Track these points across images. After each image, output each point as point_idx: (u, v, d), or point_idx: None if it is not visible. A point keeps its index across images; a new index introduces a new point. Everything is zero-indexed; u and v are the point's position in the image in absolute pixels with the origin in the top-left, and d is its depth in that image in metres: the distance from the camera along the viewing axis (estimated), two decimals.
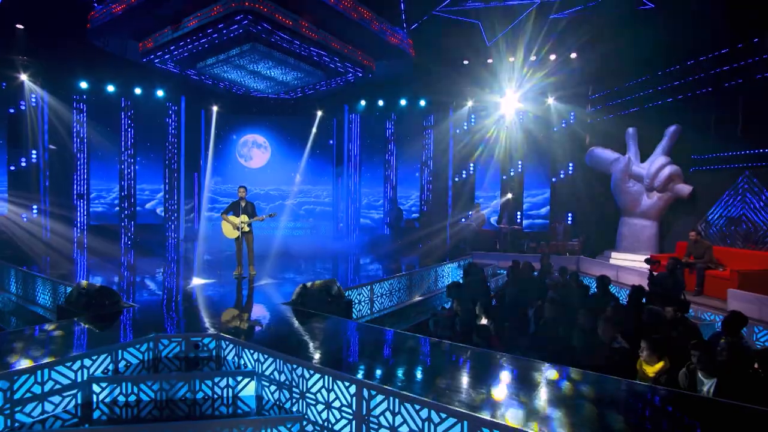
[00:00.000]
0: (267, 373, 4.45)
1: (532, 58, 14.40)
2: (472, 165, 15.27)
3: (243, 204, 8.89)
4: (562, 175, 14.55)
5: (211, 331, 5.16)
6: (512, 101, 14.65)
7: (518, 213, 14.48)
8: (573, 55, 13.92)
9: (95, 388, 4.25)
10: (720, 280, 8.48)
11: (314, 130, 16.48)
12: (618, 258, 11.82)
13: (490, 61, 14.60)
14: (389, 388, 3.56)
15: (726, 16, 10.08)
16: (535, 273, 9.17)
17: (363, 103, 16.06)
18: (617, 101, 12.87)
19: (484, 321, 6.13)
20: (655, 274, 7.40)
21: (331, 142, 17.44)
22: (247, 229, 8.81)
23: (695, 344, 4.04)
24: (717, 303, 8.07)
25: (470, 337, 5.37)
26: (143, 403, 4.26)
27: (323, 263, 11.76)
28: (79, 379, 4.23)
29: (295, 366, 4.19)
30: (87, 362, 4.31)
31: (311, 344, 4.93)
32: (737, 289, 7.65)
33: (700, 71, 10.88)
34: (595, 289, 7.76)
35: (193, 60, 12.05)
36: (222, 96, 15.79)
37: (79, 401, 4.19)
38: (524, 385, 3.66)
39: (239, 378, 4.47)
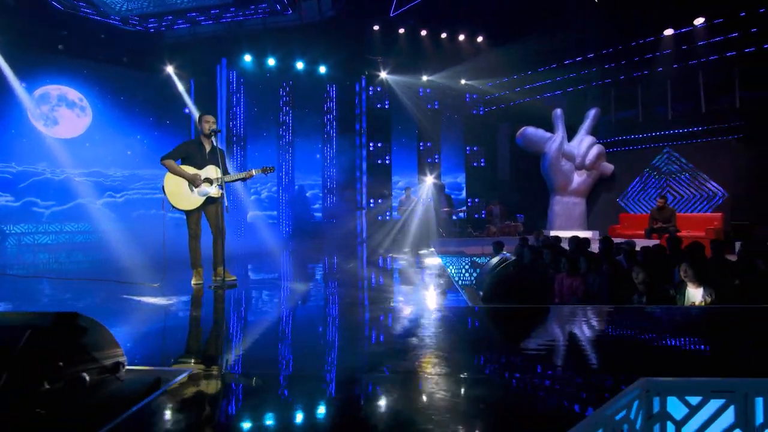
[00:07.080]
0: None
1: (443, 35, 13.56)
2: (387, 147, 13.27)
3: (208, 147, 4.85)
4: (475, 164, 14.11)
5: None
6: (425, 78, 13.45)
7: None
8: (479, 39, 13.71)
9: None
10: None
11: (180, 87, 11.51)
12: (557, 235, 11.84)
13: (402, 31, 13.06)
14: None
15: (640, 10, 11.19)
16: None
17: (248, 58, 12.07)
18: (533, 85, 13.13)
19: (699, 290, 4.49)
20: None
21: (186, 110, 12.59)
22: (218, 193, 4.81)
23: None
24: None
25: None
26: None
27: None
28: None
29: None
30: None
31: None
32: None
33: (601, 62, 11.90)
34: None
35: None
36: (6, 12, 9.35)
37: None
38: None
39: None
